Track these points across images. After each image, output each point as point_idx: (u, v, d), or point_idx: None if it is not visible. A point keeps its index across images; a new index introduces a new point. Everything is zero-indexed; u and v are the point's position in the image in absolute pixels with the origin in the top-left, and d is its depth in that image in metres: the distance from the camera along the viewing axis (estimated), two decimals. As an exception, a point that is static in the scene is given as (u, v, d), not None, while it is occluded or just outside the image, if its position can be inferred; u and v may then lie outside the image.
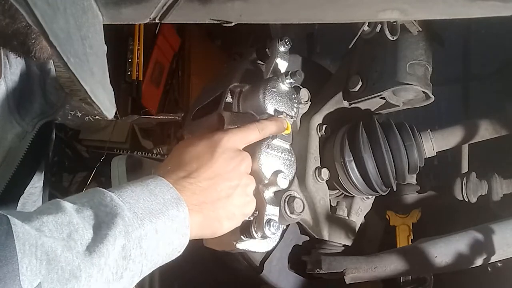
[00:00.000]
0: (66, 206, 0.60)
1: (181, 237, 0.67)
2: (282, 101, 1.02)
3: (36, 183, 1.09)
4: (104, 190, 0.64)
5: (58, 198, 0.63)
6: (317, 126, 1.19)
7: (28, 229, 0.54)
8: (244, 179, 0.78)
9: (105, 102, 0.65)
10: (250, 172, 0.85)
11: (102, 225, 0.59)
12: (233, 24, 0.74)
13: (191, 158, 0.75)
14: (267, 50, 1.11)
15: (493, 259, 1.04)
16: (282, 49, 1.07)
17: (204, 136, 0.79)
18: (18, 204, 1.06)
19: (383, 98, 1.17)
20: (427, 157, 1.19)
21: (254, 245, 1.00)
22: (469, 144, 1.29)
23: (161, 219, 0.64)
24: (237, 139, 0.81)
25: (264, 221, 0.91)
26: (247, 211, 0.81)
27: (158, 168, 0.76)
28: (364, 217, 1.29)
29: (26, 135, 0.95)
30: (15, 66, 0.94)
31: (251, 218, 0.96)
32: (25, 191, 1.07)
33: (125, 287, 0.60)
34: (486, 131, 1.21)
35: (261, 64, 1.15)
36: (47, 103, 0.98)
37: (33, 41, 0.72)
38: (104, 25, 0.67)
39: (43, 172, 1.11)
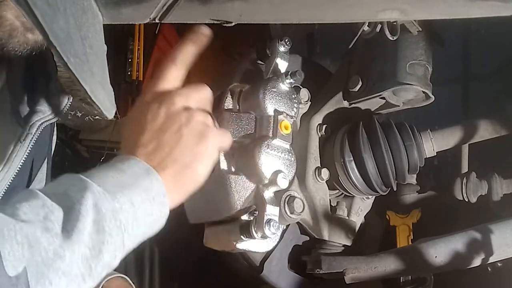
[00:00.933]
0: (36, 192, 0.59)
1: (160, 207, 0.66)
2: (282, 101, 1.02)
3: (37, 185, 1.09)
4: (72, 174, 0.63)
5: None
6: (317, 126, 1.19)
7: (3, 216, 0.53)
8: (182, 117, 0.71)
9: (105, 102, 0.65)
10: (225, 142, 0.79)
11: (75, 202, 0.58)
12: (233, 24, 0.74)
13: (130, 133, 0.73)
14: (267, 50, 1.11)
15: (493, 259, 1.04)
16: (282, 49, 1.07)
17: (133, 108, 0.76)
18: None
19: (383, 98, 1.17)
20: (427, 157, 1.19)
21: (254, 245, 1.00)
22: (469, 144, 1.29)
23: (134, 191, 0.63)
24: (157, 89, 0.74)
25: (264, 221, 0.91)
26: (209, 142, 0.72)
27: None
28: (364, 217, 1.29)
29: (28, 136, 0.95)
30: (17, 67, 0.94)
31: (251, 218, 0.96)
32: None
33: (109, 262, 0.59)
34: (486, 131, 1.21)
35: (261, 64, 1.15)
36: (50, 104, 0.98)
37: None
38: (104, 25, 0.67)
39: (45, 174, 1.11)
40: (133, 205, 0.62)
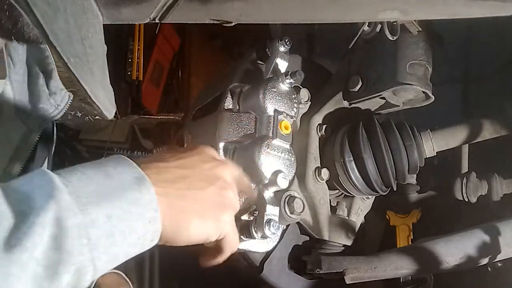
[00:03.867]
0: None
1: (147, 223, 0.56)
2: (282, 101, 1.03)
3: None
4: (47, 170, 0.54)
5: None
6: (317, 126, 1.19)
7: None
8: (221, 182, 0.68)
9: (105, 102, 0.64)
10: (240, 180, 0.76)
11: (33, 211, 0.49)
12: (233, 24, 0.74)
13: (171, 151, 0.68)
14: (267, 50, 1.12)
15: (493, 259, 1.03)
16: (282, 49, 1.07)
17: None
18: None
19: (383, 98, 1.17)
20: (427, 157, 1.19)
21: (254, 245, 1.00)
22: (469, 144, 1.29)
23: (116, 203, 0.54)
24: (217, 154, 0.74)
25: (264, 221, 0.91)
26: (221, 218, 0.66)
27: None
28: (364, 217, 1.29)
29: (31, 134, 0.96)
30: (19, 65, 0.94)
31: (251, 218, 0.96)
32: None
33: (71, 284, 0.51)
34: (486, 131, 1.21)
35: (261, 64, 1.15)
36: (51, 103, 0.99)
37: (19, 16, 0.68)
38: (104, 25, 0.67)
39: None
40: (110, 220, 0.53)
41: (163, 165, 0.63)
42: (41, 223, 0.49)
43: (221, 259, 0.72)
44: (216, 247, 0.70)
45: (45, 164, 1.09)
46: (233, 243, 0.71)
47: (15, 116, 0.94)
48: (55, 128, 1.09)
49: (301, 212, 1.04)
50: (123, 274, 1.06)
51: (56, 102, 0.99)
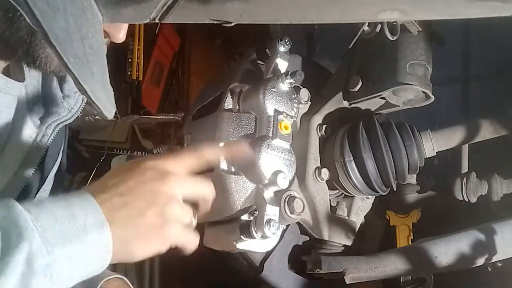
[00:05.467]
0: None
1: (100, 261, 0.64)
2: (282, 101, 1.03)
3: (46, 186, 1.10)
4: (21, 208, 0.60)
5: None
6: (317, 126, 1.19)
7: None
8: (162, 199, 0.69)
9: (105, 102, 0.64)
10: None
11: (8, 251, 0.56)
12: (233, 24, 0.74)
13: (111, 176, 0.71)
14: (267, 50, 1.12)
15: (493, 259, 1.03)
16: (282, 49, 1.07)
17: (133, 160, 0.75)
18: None
19: (383, 98, 1.17)
20: (427, 157, 1.19)
21: (254, 245, 1.00)
22: (469, 144, 1.29)
23: (77, 245, 0.60)
24: (164, 161, 0.73)
25: (264, 221, 0.91)
26: (168, 234, 0.70)
27: (88, 186, 0.71)
28: (364, 217, 1.29)
29: (43, 137, 0.96)
30: (34, 70, 0.94)
31: (251, 218, 0.96)
32: (36, 195, 1.08)
33: None
34: (486, 131, 1.21)
35: (261, 64, 1.15)
36: (64, 106, 0.99)
37: (38, 50, 0.71)
38: (104, 25, 0.67)
39: (53, 175, 1.11)
40: (71, 260, 0.60)
41: (104, 197, 0.66)
42: (14, 263, 0.55)
43: (188, 253, 0.76)
44: (177, 248, 0.75)
45: (55, 167, 1.10)
46: (190, 245, 0.75)
47: (28, 120, 0.94)
48: (67, 132, 1.09)
49: (301, 212, 1.04)
50: (127, 280, 1.07)
51: (69, 105, 0.99)
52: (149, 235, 0.69)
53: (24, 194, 0.95)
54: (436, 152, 1.20)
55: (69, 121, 1.01)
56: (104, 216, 0.64)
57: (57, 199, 0.63)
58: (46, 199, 0.64)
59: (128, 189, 0.68)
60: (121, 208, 0.66)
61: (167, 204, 0.70)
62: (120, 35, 0.76)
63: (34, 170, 0.95)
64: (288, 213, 1.03)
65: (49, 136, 0.96)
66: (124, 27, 0.76)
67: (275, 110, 1.00)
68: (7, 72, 0.87)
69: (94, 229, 0.62)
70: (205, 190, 0.77)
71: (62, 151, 1.09)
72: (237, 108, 1.07)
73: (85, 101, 1.00)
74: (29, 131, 0.94)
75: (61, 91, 0.98)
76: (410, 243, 1.34)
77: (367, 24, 1.04)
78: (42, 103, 0.97)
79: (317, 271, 1.13)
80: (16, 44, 0.72)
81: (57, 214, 0.61)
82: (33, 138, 0.95)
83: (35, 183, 1.00)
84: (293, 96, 1.05)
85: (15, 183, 0.93)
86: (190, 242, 0.75)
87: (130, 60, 2.26)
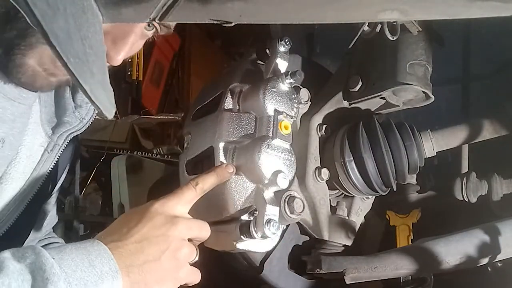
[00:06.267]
0: (9, 266, 0.63)
1: None
2: (282, 101, 1.02)
3: (55, 194, 1.11)
4: (47, 254, 0.66)
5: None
6: (317, 126, 1.19)
7: None
8: (174, 243, 0.77)
9: (105, 102, 0.64)
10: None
11: None
12: (233, 24, 0.73)
13: (123, 223, 0.77)
14: (267, 50, 1.11)
15: (493, 259, 1.04)
16: (282, 49, 1.07)
17: (141, 206, 0.82)
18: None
19: (383, 98, 1.17)
20: (427, 157, 1.19)
21: (254, 245, 1.00)
22: (469, 144, 1.29)
23: None
24: (170, 204, 0.80)
25: (264, 221, 0.91)
26: (180, 276, 0.78)
27: (101, 233, 0.78)
28: (364, 217, 1.29)
29: (55, 147, 0.96)
30: None
31: (251, 218, 0.96)
32: (46, 202, 1.08)
33: None
34: (486, 131, 1.21)
35: (261, 64, 1.15)
36: (76, 116, 0.99)
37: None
38: (104, 25, 0.66)
39: (62, 182, 1.12)
40: None
41: (119, 245, 0.73)
42: None
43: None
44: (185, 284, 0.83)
45: (63, 176, 1.10)
46: (194, 281, 0.83)
47: (40, 129, 0.94)
48: (78, 142, 1.10)
49: (301, 212, 1.04)
50: None
51: (81, 115, 0.99)
52: (165, 279, 0.76)
53: (35, 200, 0.95)
54: (436, 152, 1.20)
55: (80, 131, 1.01)
56: (117, 265, 0.70)
57: (75, 246, 0.70)
58: (64, 246, 0.70)
59: (142, 236, 0.74)
60: (138, 254, 0.73)
61: (178, 248, 0.77)
62: (119, 57, 0.81)
63: (45, 179, 0.96)
64: (288, 213, 1.03)
65: (60, 146, 0.97)
66: (124, 50, 0.81)
67: (275, 110, 1.00)
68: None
69: (109, 276, 0.68)
70: (206, 232, 0.84)
71: (78, 159, 1.10)
72: (237, 108, 1.07)
73: (96, 112, 1.00)
74: (41, 140, 0.95)
75: (73, 101, 0.99)
76: (410, 243, 1.34)
77: (367, 24, 1.04)
78: (54, 112, 0.98)
79: (317, 271, 1.13)
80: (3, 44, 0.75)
81: (77, 261, 0.68)
82: (44, 147, 0.95)
83: (45, 191, 1.00)
84: (293, 96, 1.05)
85: (26, 192, 0.93)
86: (196, 278, 0.83)
87: (130, 60, 2.27)
